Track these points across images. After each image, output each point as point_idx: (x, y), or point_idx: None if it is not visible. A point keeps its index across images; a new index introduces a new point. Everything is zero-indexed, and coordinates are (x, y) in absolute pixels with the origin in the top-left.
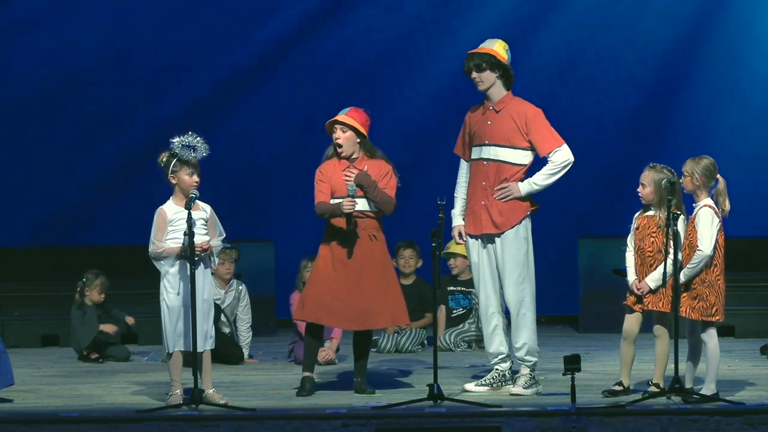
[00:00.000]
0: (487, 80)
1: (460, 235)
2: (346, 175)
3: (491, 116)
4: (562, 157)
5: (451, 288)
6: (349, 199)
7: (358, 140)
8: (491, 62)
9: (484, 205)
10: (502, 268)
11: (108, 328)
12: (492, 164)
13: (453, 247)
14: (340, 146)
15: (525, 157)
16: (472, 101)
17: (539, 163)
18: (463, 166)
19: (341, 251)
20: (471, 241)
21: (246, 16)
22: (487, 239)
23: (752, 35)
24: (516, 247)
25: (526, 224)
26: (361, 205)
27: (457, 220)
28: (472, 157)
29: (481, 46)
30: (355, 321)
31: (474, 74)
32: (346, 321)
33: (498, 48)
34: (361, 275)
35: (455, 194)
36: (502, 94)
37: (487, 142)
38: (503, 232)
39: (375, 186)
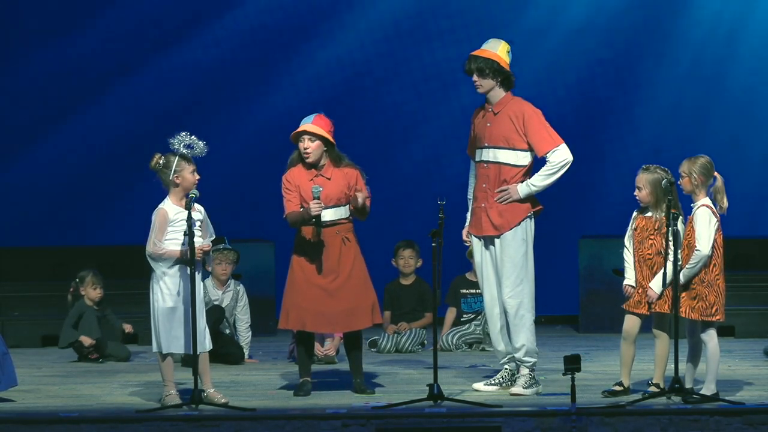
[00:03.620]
0: (487, 85)
1: (467, 235)
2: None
3: (490, 118)
4: (559, 156)
5: (464, 291)
6: (315, 201)
7: (325, 148)
8: (494, 68)
9: (484, 207)
10: (500, 270)
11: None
12: (492, 166)
13: None
14: (308, 156)
15: (524, 159)
16: (474, 102)
17: (540, 163)
18: (473, 167)
19: (315, 256)
20: (475, 241)
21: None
22: (489, 240)
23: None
24: (514, 248)
25: (526, 226)
26: (333, 214)
27: (468, 221)
28: (476, 159)
29: (484, 47)
30: (339, 323)
31: (475, 77)
32: (329, 324)
33: (501, 52)
34: (337, 278)
35: (468, 195)
36: (500, 96)
37: (486, 144)
38: (502, 234)
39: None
